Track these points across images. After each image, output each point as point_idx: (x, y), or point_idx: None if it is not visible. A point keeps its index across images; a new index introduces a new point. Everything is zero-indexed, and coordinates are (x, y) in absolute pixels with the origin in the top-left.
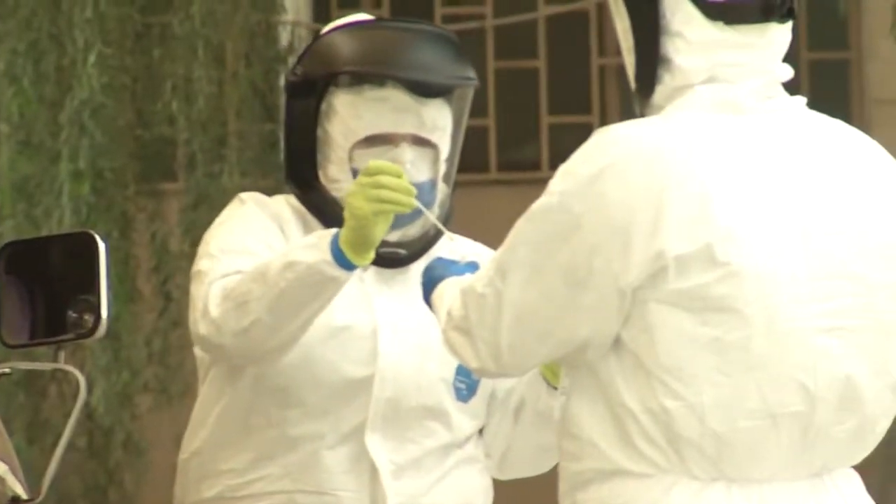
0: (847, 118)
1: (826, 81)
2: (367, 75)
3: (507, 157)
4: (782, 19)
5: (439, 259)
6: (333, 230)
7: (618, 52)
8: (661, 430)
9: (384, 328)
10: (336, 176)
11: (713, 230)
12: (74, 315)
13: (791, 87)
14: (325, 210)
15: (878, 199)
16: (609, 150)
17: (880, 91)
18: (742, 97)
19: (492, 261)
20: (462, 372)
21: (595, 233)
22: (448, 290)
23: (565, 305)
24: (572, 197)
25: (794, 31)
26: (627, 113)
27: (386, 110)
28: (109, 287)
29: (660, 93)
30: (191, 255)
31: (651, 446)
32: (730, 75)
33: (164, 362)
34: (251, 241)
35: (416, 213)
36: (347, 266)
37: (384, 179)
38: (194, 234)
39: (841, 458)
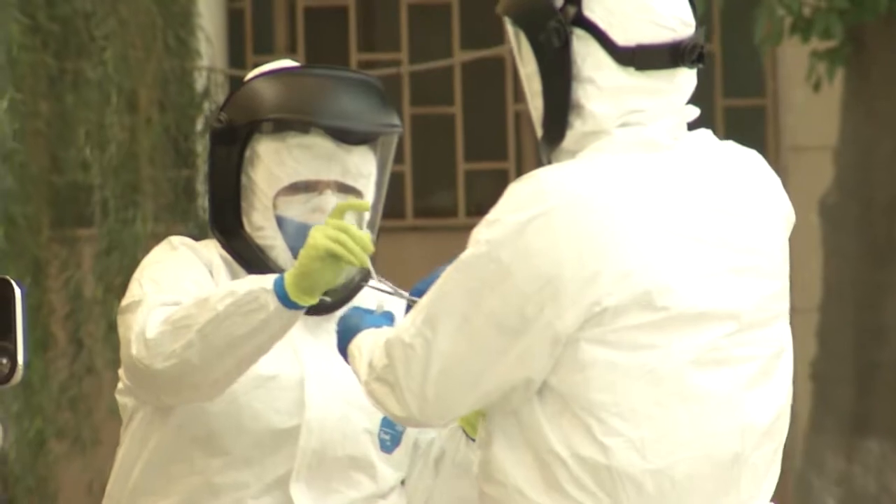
0: None
1: (742, 128)
2: (290, 122)
3: (424, 204)
4: (692, 65)
5: (355, 308)
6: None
7: None
8: (589, 474)
9: (311, 378)
10: (260, 223)
11: (650, 277)
12: None
13: (708, 130)
14: (249, 258)
15: (786, 224)
16: (535, 198)
17: (795, 138)
18: (657, 136)
19: (418, 310)
20: (387, 423)
21: (525, 282)
22: (366, 341)
23: (496, 354)
24: (500, 246)
25: (710, 77)
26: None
27: (310, 158)
28: (25, 333)
29: (570, 138)
30: (104, 302)
31: (581, 491)
32: (642, 118)
33: (76, 409)
34: (184, 281)
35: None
36: (286, 301)
37: (350, 226)
38: (107, 280)
39: (760, 488)
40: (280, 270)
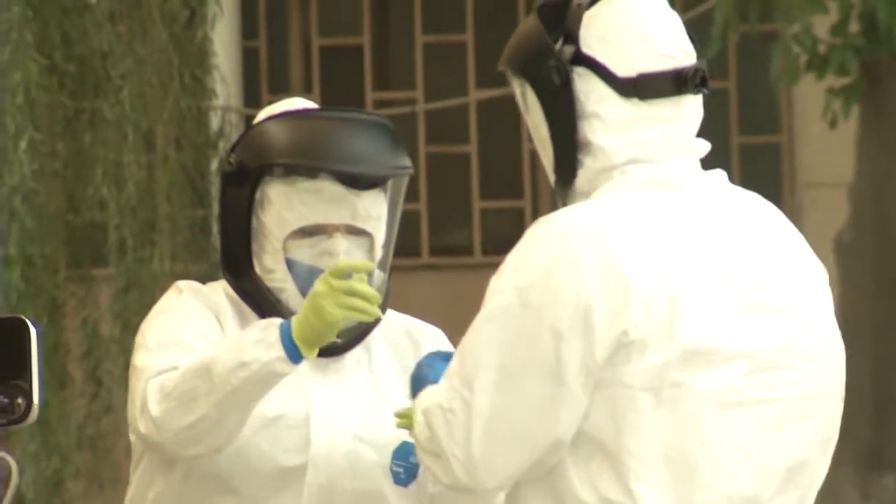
0: (778, 201)
1: (757, 165)
2: (299, 167)
3: (439, 242)
4: (696, 90)
5: (429, 356)
6: (276, 321)
7: None
8: None
9: (317, 416)
10: (271, 266)
11: (673, 307)
12: (5, 400)
13: (722, 171)
14: (259, 300)
15: (807, 270)
16: (557, 239)
17: (811, 175)
18: (672, 174)
19: (452, 372)
20: (399, 456)
21: (558, 321)
22: (422, 402)
23: (540, 402)
24: (529, 290)
25: (726, 114)
26: None
27: (319, 202)
28: (41, 372)
29: (582, 177)
30: (122, 341)
31: None
32: (652, 154)
33: (94, 448)
34: (187, 334)
35: None
36: (297, 359)
37: (358, 287)
38: (125, 318)
39: None
40: (291, 313)
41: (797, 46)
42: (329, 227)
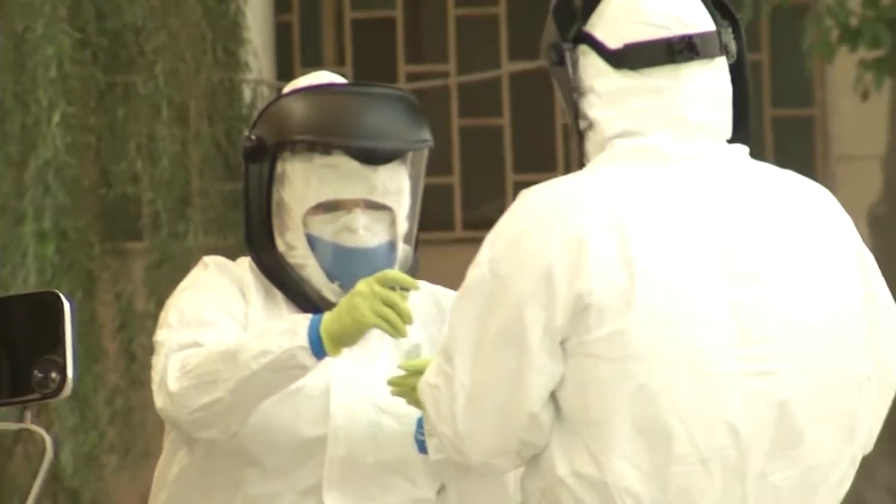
0: (811, 174)
1: (790, 138)
2: (314, 144)
3: (472, 215)
4: (688, 58)
5: None
6: (309, 316)
7: None
8: (588, 492)
9: (336, 386)
10: (292, 242)
11: (632, 274)
12: (40, 375)
13: (756, 144)
14: (281, 276)
15: (821, 246)
16: (527, 210)
17: (843, 147)
18: (660, 146)
19: (439, 350)
20: (423, 424)
21: (522, 287)
22: None
23: (511, 373)
24: (499, 262)
25: (758, 87)
26: None
27: (336, 177)
28: (75, 347)
29: (590, 151)
30: (155, 315)
31: None
32: (642, 126)
33: (127, 421)
34: (210, 310)
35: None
36: (320, 352)
37: (396, 299)
38: (159, 293)
39: None
40: (312, 289)
41: (830, 19)
42: (347, 202)
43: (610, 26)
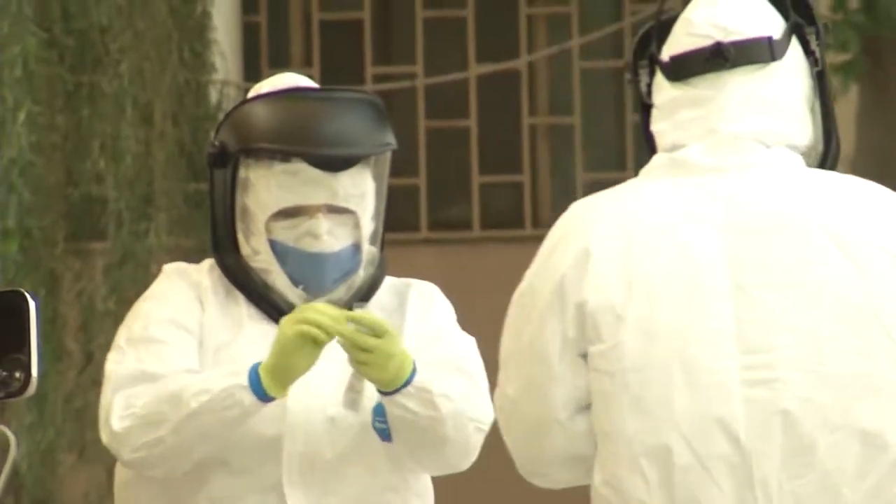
0: None
1: None
2: (274, 152)
3: (438, 217)
4: (730, 65)
5: None
6: (259, 361)
7: (548, 112)
8: (615, 497)
9: (294, 385)
10: (257, 248)
11: (629, 285)
12: (4, 373)
13: (788, 151)
14: (245, 281)
15: (847, 252)
16: (563, 223)
17: None
18: (691, 157)
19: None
20: (380, 412)
21: (543, 300)
22: None
23: (538, 384)
24: (534, 275)
25: None
26: (558, 172)
27: (297, 184)
28: (40, 346)
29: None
30: (116, 314)
31: None
32: (685, 138)
33: (83, 420)
34: (160, 327)
35: (342, 277)
36: (262, 395)
37: (309, 315)
38: (120, 292)
39: None
40: (277, 294)
41: None
42: (310, 208)
43: (668, 44)
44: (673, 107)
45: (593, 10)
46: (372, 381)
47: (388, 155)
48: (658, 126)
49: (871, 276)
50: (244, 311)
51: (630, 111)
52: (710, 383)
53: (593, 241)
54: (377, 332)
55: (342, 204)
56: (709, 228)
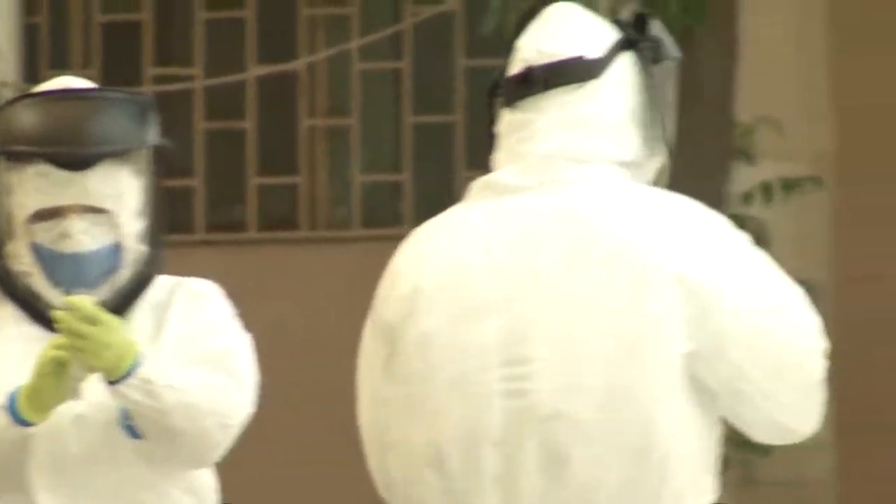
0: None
1: None
2: (19, 154)
3: (215, 218)
4: (542, 87)
5: None
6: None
7: (327, 114)
8: None
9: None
10: (18, 251)
11: (416, 301)
12: None
13: (610, 168)
14: (8, 285)
15: (631, 269)
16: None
17: None
18: (501, 178)
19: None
20: (125, 411)
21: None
22: None
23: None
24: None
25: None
26: (336, 175)
27: (49, 185)
28: None
29: None
30: None
31: None
32: (503, 160)
33: None
34: None
35: (103, 276)
36: (16, 415)
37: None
38: None
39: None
40: (38, 296)
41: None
42: (63, 209)
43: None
44: (507, 132)
45: (374, 11)
46: (90, 369)
47: (147, 152)
48: (497, 153)
49: (648, 295)
50: (10, 316)
51: (408, 113)
52: (476, 394)
53: (399, 263)
54: (92, 320)
55: (96, 203)
56: (494, 243)
